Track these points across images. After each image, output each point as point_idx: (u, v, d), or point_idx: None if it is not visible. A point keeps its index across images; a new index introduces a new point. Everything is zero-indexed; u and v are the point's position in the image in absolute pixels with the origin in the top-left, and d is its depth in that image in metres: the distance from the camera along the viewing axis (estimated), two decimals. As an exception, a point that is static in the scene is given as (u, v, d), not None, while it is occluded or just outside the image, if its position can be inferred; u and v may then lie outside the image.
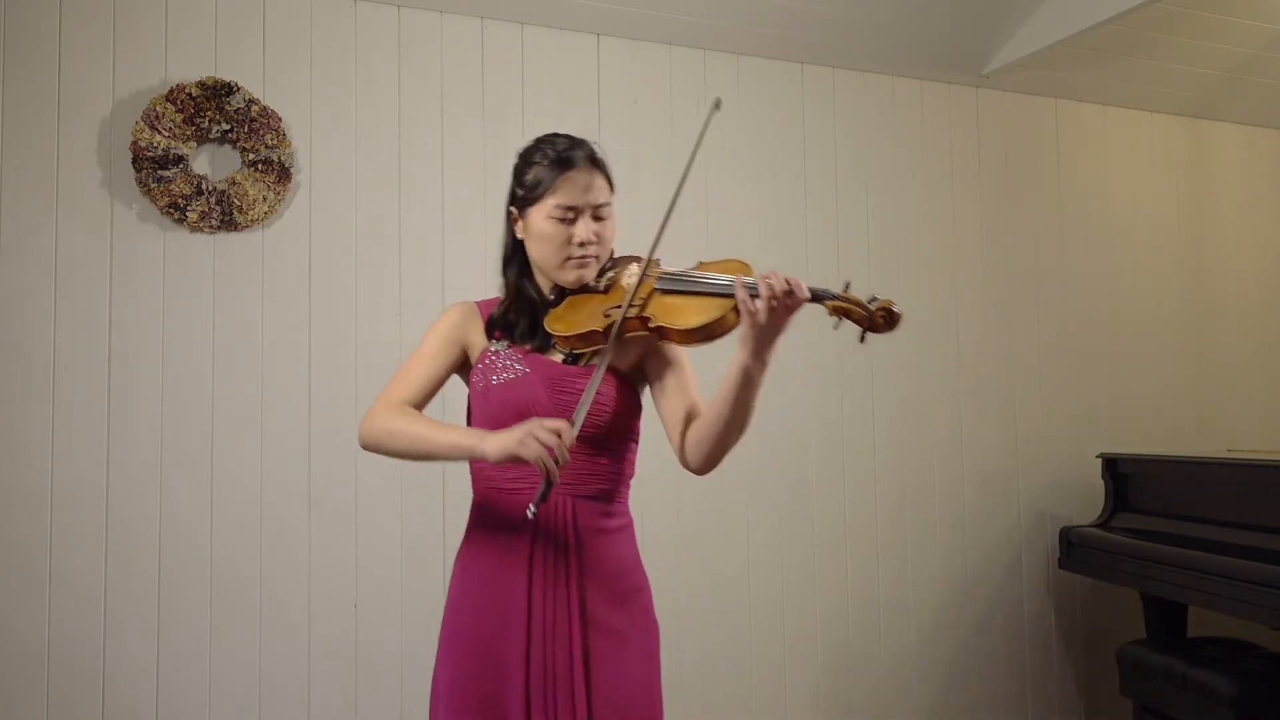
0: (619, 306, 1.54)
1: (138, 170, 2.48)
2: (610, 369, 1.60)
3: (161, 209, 2.51)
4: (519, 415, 1.52)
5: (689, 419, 1.61)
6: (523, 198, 1.64)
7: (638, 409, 1.67)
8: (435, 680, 1.65)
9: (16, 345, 2.41)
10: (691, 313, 1.50)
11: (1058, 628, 3.50)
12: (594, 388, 1.51)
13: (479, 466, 1.65)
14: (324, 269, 2.68)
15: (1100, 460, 3.32)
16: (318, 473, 2.64)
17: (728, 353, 1.51)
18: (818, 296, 1.43)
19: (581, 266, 1.61)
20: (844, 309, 1.43)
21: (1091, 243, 3.69)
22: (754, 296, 1.42)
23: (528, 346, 1.64)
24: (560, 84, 2.95)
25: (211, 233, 2.57)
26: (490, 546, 1.62)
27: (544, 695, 1.54)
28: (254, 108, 2.57)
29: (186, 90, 2.51)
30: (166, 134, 2.49)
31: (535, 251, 1.65)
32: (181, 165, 2.52)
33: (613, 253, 1.68)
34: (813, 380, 3.21)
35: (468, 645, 1.60)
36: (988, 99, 3.54)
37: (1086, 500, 3.51)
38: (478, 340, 1.68)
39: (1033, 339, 3.56)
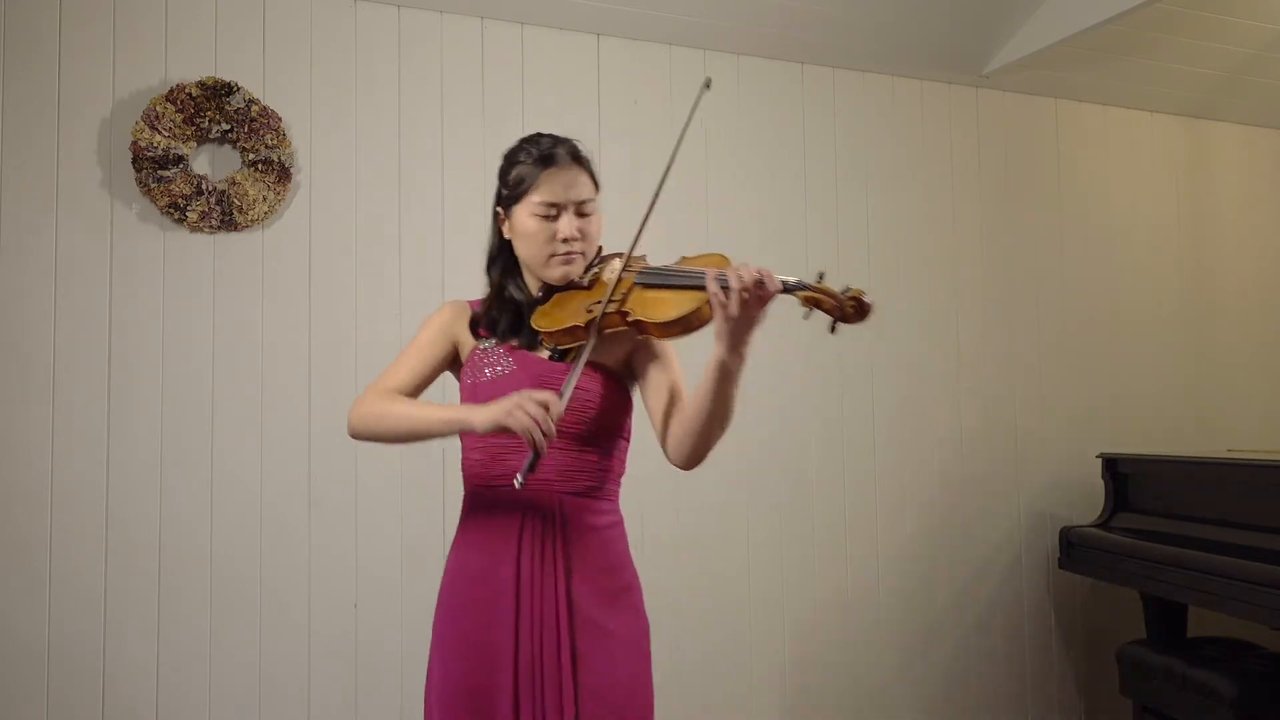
0: (600, 302, 1.56)
1: (138, 170, 2.48)
2: (598, 365, 1.61)
3: (161, 209, 2.51)
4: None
5: (674, 414, 1.61)
6: (507, 196, 1.67)
7: (627, 405, 1.68)
8: (428, 675, 1.67)
9: (16, 345, 2.41)
10: (668, 306, 1.51)
11: (1058, 628, 3.50)
12: (574, 379, 1.52)
13: (469, 463, 1.67)
14: (324, 269, 2.68)
15: (1100, 460, 3.32)
16: (318, 473, 2.64)
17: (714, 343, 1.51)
18: (789, 287, 1.41)
19: (566, 263, 1.63)
20: (815, 299, 1.41)
21: (1091, 243, 3.69)
22: (725, 288, 1.41)
23: (515, 344, 1.66)
24: (560, 84, 2.95)
25: (211, 233, 2.57)
26: (479, 543, 1.64)
27: (532, 691, 1.55)
28: (254, 108, 2.57)
29: (186, 90, 2.51)
30: (166, 134, 2.49)
31: (521, 249, 1.67)
32: (181, 165, 2.52)
33: (600, 249, 1.70)
34: (813, 380, 3.21)
35: (458, 641, 1.62)
36: (988, 99, 3.54)
37: (1086, 500, 3.51)
38: (468, 339, 1.71)
39: (1033, 339, 3.56)
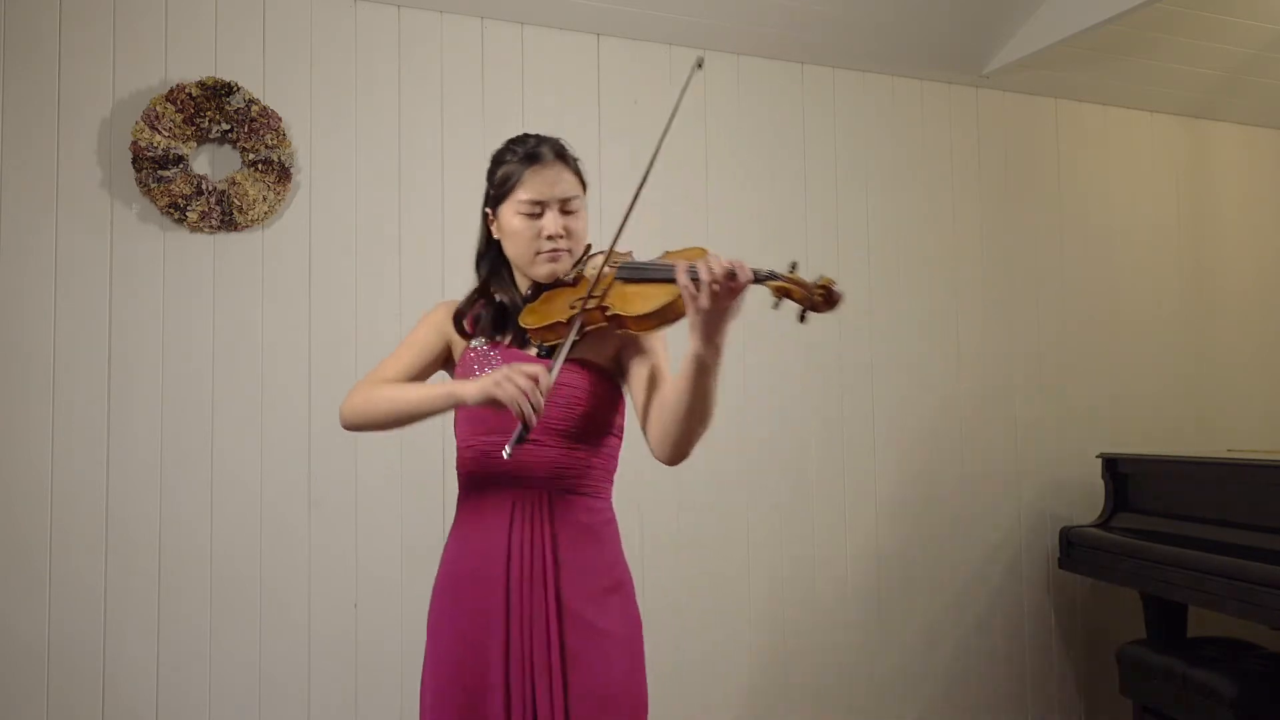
0: (583, 298, 1.56)
1: (138, 170, 2.48)
2: (587, 363, 1.62)
3: (161, 209, 2.51)
4: (496, 408, 1.55)
5: (657, 409, 1.60)
6: (494, 196, 1.69)
7: (616, 402, 1.68)
8: (423, 674, 1.69)
9: (16, 345, 2.41)
10: (644, 300, 1.51)
11: (1058, 628, 3.50)
12: (561, 359, 1.53)
13: (462, 460, 1.69)
14: (324, 269, 2.68)
15: (1100, 460, 3.32)
16: (318, 473, 2.64)
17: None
18: (760, 278, 1.40)
19: (552, 260, 1.64)
20: (786, 289, 1.40)
21: (1091, 243, 3.69)
22: (695, 280, 1.40)
23: (505, 342, 1.67)
24: (560, 84, 2.95)
25: (211, 233, 2.57)
26: (470, 542, 1.65)
27: (523, 690, 1.55)
28: (254, 108, 2.57)
29: (186, 90, 2.51)
30: (166, 134, 2.49)
31: (509, 248, 1.68)
32: (181, 165, 2.52)
33: (589, 247, 1.70)
34: (813, 380, 3.21)
35: (450, 640, 1.63)
36: (988, 99, 3.54)
37: (1086, 500, 3.51)
38: (460, 338, 1.73)
39: (1033, 339, 3.56)
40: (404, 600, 2.67)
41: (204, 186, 2.53)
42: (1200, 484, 2.97)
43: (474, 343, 1.70)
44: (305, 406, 2.63)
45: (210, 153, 2.60)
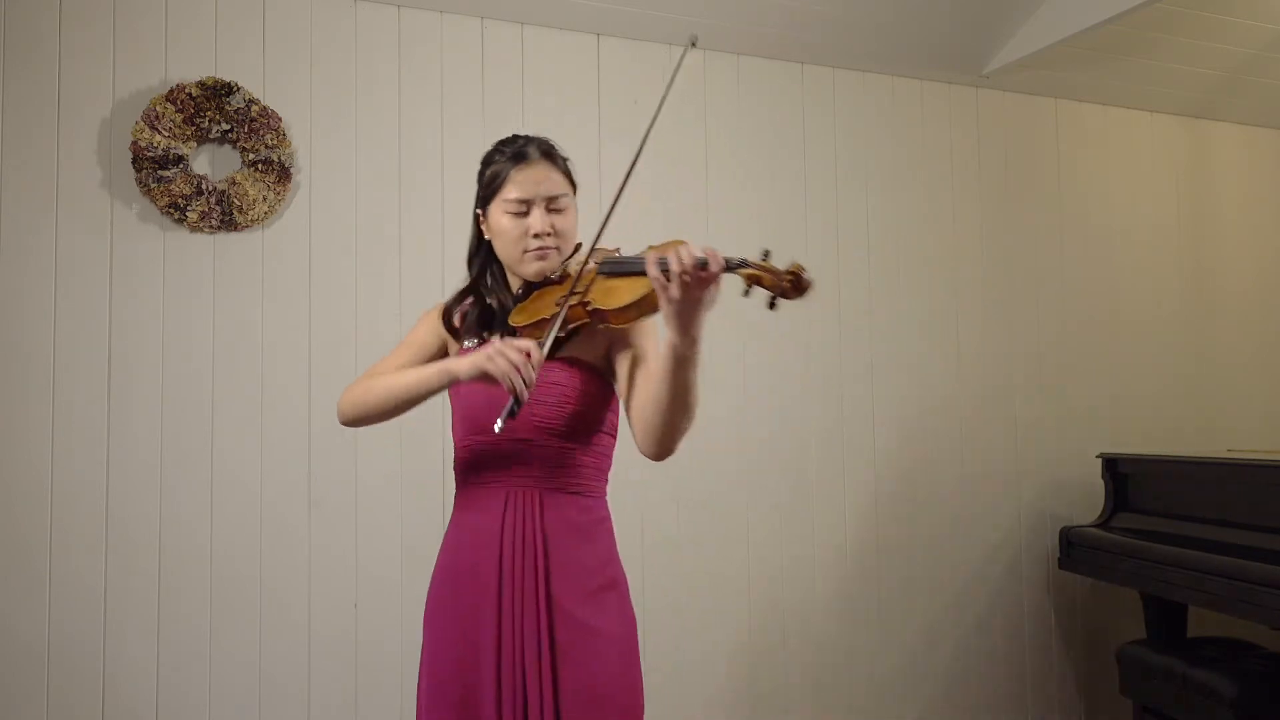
0: (566, 294, 1.58)
1: (138, 170, 2.48)
2: (577, 360, 1.63)
3: (161, 209, 2.51)
4: (487, 406, 1.57)
5: (640, 402, 1.60)
6: (483, 196, 1.71)
7: (607, 400, 1.68)
8: (419, 675, 1.71)
9: (16, 345, 2.41)
10: (623, 293, 1.51)
11: (1058, 628, 3.50)
12: (551, 336, 1.53)
13: (458, 460, 1.70)
14: (324, 269, 2.68)
15: (1100, 460, 3.32)
16: (318, 473, 2.64)
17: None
18: (732, 266, 1.38)
19: (540, 258, 1.65)
20: (757, 277, 1.38)
21: (1091, 243, 3.69)
22: (665, 271, 1.38)
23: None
24: (560, 84, 2.95)
25: (211, 233, 2.57)
26: (463, 542, 1.66)
27: (514, 689, 1.55)
28: (254, 108, 2.57)
29: (186, 90, 2.51)
30: (166, 134, 2.49)
31: (498, 247, 1.70)
32: (181, 165, 2.52)
33: (579, 245, 1.71)
34: (813, 380, 3.21)
35: (444, 641, 1.64)
36: (988, 99, 3.54)
37: (1086, 500, 3.51)
38: (454, 339, 1.75)
39: (1033, 339, 3.56)
40: (404, 600, 2.67)
41: (204, 186, 2.53)
42: (1200, 484, 2.97)
43: (467, 342, 1.71)
44: (305, 406, 2.63)
45: (210, 153, 2.60)
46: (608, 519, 1.69)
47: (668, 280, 1.37)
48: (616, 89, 3.02)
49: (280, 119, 2.61)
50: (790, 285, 1.36)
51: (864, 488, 3.27)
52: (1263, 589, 2.51)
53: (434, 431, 2.62)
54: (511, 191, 1.65)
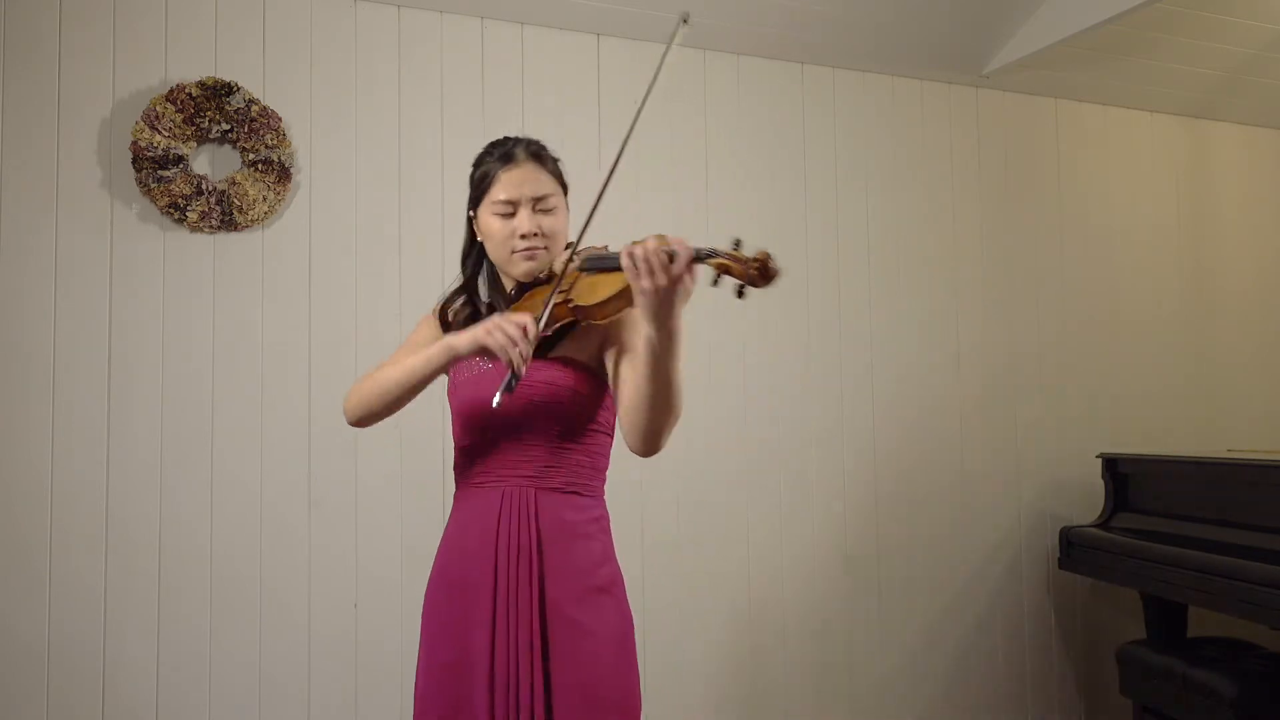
0: (550, 293, 1.58)
1: (138, 170, 2.48)
2: (570, 359, 1.63)
3: (161, 209, 2.51)
4: (483, 406, 1.57)
5: (625, 397, 1.59)
6: (474, 197, 1.72)
7: (601, 399, 1.67)
8: (416, 675, 1.71)
9: (16, 345, 2.41)
10: (602, 288, 1.52)
11: (1058, 628, 3.50)
12: (545, 314, 1.54)
13: (456, 460, 1.71)
14: (324, 269, 2.68)
15: (1100, 460, 3.32)
16: (318, 473, 2.64)
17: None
18: (701, 256, 1.38)
19: (529, 259, 1.66)
20: (725, 266, 1.38)
21: (1091, 243, 3.69)
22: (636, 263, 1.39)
23: None
24: (560, 84, 2.95)
25: (211, 233, 2.57)
26: (460, 544, 1.66)
27: (506, 690, 1.55)
28: (254, 108, 2.57)
29: (186, 90, 2.51)
30: (166, 134, 2.49)
31: (489, 249, 1.71)
32: (181, 165, 2.52)
33: (570, 245, 1.70)
34: (813, 380, 3.21)
35: (439, 643, 1.64)
36: (988, 99, 3.54)
37: (1086, 500, 3.51)
38: None
39: (1033, 339, 3.56)
40: (404, 600, 2.67)
41: (204, 186, 2.53)
42: (1200, 484, 2.97)
43: None
44: (305, 406, 2.63)
45: (210, 153, 2.60)
46: (605, 518, 1.69)
47: (638, 271, 1.37)
48: (616, 89, 3.02)
49: (280, 119, 2.61)
50: (757, 273, 1.35)
51: (864, 488, 3.27)
52: (1263, 589, 2.51)
53: (434, 432, 2.62)
54: (499, 193, 1.66)
